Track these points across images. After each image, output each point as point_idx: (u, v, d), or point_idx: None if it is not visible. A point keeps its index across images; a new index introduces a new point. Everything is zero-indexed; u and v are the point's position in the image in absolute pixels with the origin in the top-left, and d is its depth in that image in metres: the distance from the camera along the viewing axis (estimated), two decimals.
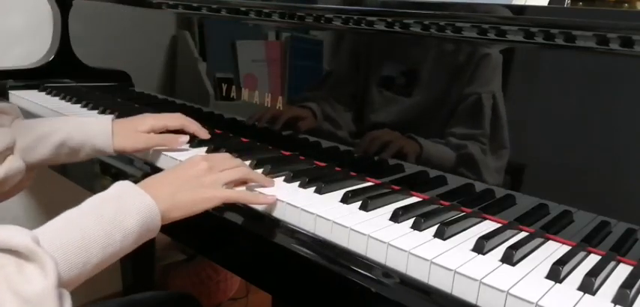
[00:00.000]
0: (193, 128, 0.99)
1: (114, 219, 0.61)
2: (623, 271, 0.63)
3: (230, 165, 0.78)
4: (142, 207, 0.64)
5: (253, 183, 0.79)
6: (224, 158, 0.80)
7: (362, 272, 0.62)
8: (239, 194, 0.75)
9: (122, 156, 0.95)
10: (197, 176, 0.73)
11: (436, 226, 0.67)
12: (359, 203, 0.74)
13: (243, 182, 0.78)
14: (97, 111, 1.25)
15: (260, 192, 0.77)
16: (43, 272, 0.50)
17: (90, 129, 0.89)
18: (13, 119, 0.87)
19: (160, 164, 0.94)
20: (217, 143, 0.99)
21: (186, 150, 0.96)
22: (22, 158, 0.84)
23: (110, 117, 0.92)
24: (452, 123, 0.79)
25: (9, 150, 0.82)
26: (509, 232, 0.69)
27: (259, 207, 0.76)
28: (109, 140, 0.88)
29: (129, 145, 0.90)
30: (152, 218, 0.65)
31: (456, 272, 0.57)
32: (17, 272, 0.49)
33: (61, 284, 0.53)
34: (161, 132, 0.95)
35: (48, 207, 1.61)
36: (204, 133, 1.00)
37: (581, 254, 0.65)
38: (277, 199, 0.74)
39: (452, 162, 0.79)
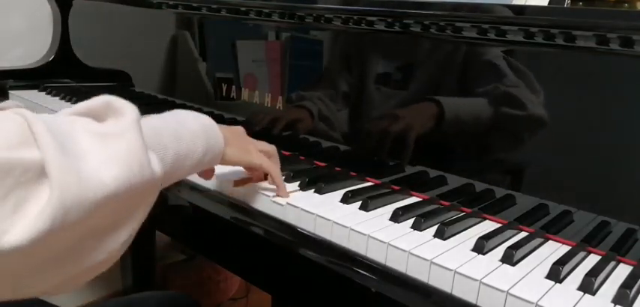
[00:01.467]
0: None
1: (175, 120, 0.60)
2: (623, 271, 0.63)
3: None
4: (201, 117, 0.63)
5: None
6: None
7: (362, 272, 0.62)
8: (271, 166, 0.76)
9: None
10: (240, 133, 0.74)
11: (436, 226, 0.67)
12: (359, 203, 0.74)
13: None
14: None
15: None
16: (121, 114, 0.47)
17: None
18: None
19: None
20: None
21: None
22: None
23: None
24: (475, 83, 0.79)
25: None
26: (509, 232, 0.69)
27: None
28: None
29: None
30: (214, 132, 0.64)
31: (456, 272, 0.57)
32: (94, 121, 0.47)
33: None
34: None
35: None
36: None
37: (581, 254, 0.65)
38: (275, 199, 0.75)
39: (490, 113, 0.76)
